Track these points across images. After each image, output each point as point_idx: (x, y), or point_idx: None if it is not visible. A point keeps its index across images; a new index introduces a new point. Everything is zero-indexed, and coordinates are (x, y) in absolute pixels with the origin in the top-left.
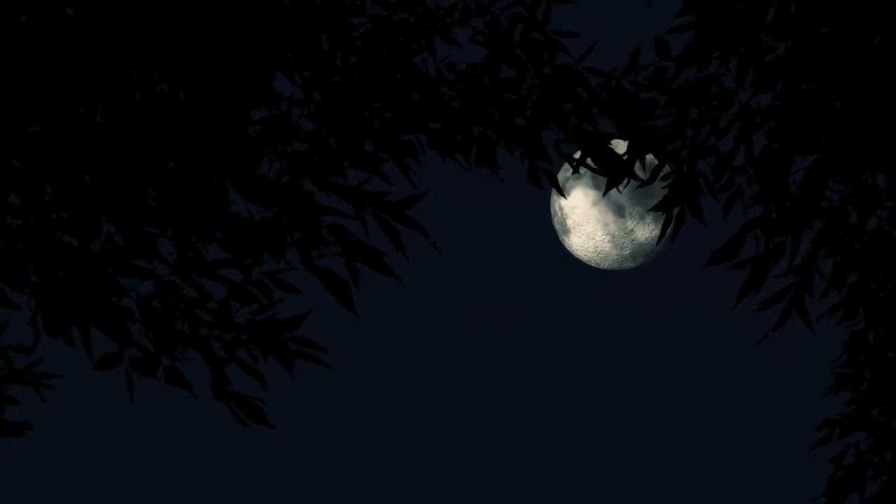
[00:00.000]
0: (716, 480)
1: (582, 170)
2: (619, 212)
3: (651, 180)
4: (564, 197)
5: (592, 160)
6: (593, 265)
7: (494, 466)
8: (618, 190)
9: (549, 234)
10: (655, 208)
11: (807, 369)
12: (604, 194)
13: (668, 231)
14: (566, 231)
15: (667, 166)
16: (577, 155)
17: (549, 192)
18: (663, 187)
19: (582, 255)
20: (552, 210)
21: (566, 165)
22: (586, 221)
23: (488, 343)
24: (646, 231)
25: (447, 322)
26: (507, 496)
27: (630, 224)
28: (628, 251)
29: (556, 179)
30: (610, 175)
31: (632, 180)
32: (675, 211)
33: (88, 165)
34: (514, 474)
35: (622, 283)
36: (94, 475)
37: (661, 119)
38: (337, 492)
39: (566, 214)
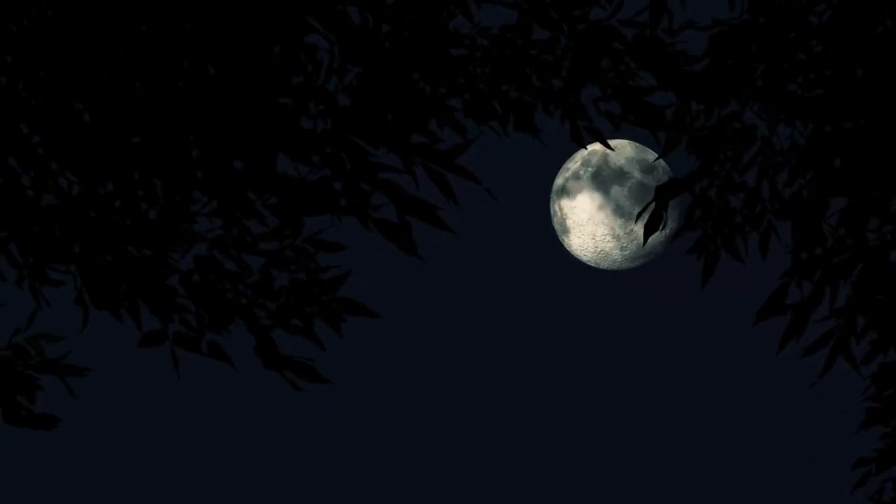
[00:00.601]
0: (715, 480)
1: (582, 171)
2: (620, 212)
3: (687, 226)
4: (611, 149)
5: (633, 115)
6: (593, 265)
7: (495, 466)
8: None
9: (549, 235)
10: (691, 251)
11: (807, 368)
12: (644, 243)
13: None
14: (566, 231)
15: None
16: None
17: (549, 193)
18: (696, 230)
19: (582, 255)
20: (552, 210)
21: (564, 171)
22: (586, 222)
23: (489, 343)
24: None
25: (447, 322)
26: (507, 496)
27: (630, 224)
28: (628, 251)
29: (602, 135)
30: (651, 128)
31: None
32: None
33: (131, 133)
34: (515, 474)
35: (622, 283)
36: (115, 468)
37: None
38: (333, 494)
39: (566, 215)
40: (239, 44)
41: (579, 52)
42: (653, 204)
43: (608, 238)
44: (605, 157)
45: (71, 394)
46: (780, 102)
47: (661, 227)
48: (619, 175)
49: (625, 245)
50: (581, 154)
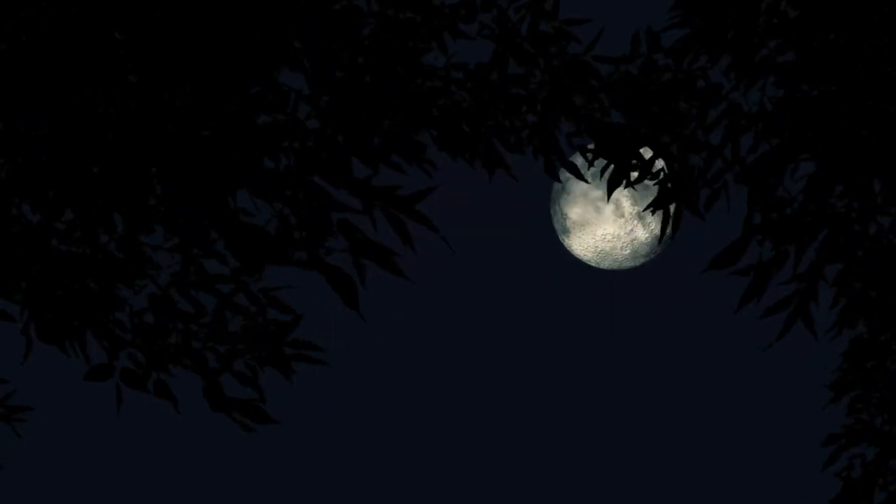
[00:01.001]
0: (715, 480)
1: (583, 170)
2: (620, 211)
3: (641, 177)
4: (587, 181)
5: (606, 151)
6: (593, 265)
7: (494, 466)
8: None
9: (549, 235)
10: (651, 206)
11: (809, 370)
12: (608, 199)
13: (668, 229)
14: (566, 231)
15: (658, 162)
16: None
17: (550, 192)
18: (654, 184)
19: (582, 255)
20: (552, 210)
21: (564, 170)
22: (586, 221)
23: (488, 343)
24: (646, 231)
25: (445, 322)
26: (506, 496)
27: (630, 224)
28: (628, 251)
29: (577, 168)
30: (622, 165)
31: (631, 182)
32: (672, 208)
33: (92, 164)
34: (514, 474)
35: (622, 283)
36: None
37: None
38: (334, 494)
39: (566, 215)
40: (213, 82)
41: (554, 87)
42: (632, 146)
43: (608, 238)
44: None
45: (17, 435)
46: (748, 62)
47: (623, 186)
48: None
49: (625, 245)
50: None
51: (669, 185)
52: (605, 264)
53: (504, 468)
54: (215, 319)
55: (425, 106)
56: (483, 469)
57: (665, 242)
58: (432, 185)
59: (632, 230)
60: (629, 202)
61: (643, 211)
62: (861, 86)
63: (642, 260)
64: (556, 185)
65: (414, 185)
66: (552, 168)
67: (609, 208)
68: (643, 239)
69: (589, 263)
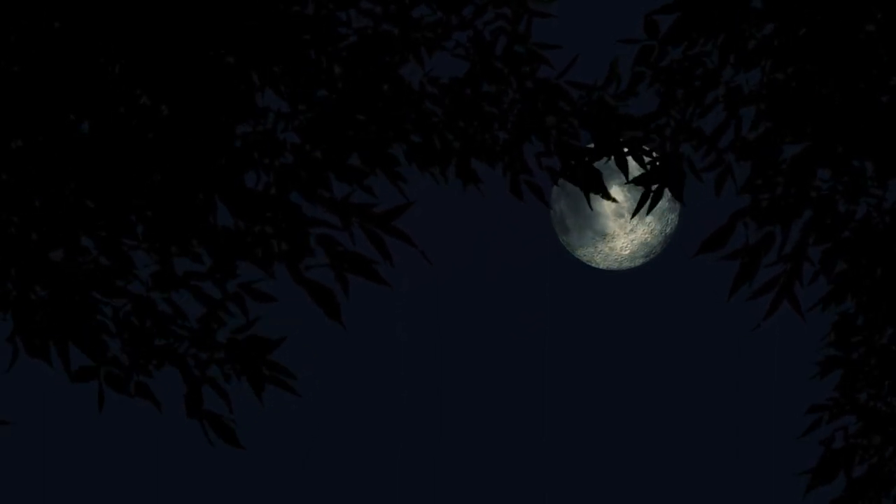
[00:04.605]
0: (716, 479)
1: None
2: (619, 211)
3: (630, 156)
4: (549, 207)
5: (572, 174)
6: (593, 265)
7: (494, 467)
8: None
9: (548, 235)
10: (634, 182)
11: (807, 360)
12: (590, 203)
13: (645, 208)
14: (565, 231)
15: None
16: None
17: (549, 193)
18: (647, 163)
19: (581, 254)
20: (551, 210)
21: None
22: (586, 221)
23: (487, 343)
24: (646, 231)
25: (443, 323)
26: (506, 496)
27: (630, 224)
28: (628, 251)
29: (542, 191)
30: (589, 190)
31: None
32: (654, 188)
33: (72, 177)
34: (514, 474)
35: (622, 283)
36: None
37: (638, 111)
38: (331, 494)
39: (565, 214)
40: (213, 64)
41: (526, 108)
42: (598, 171)
43: (608, 238)
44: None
45: None
46: (743, 45)
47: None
48: (619, 174)
49: (624, 245)
50: None
51: (658, 164)
52: (604, 264)
53: (503, 468)
54: (203, 326)
55: (399, 118)
56: (482, 469)
57: (665, 243)
58: (409, 201)
59: (632, 230)
60: (629, 202)
61: (626, 184)
62: (849, 66)
63: (642, 260)
64: (556, 184)
65: (394, 200)
66: (517, 188)
67: (609, 207)
68: (643, 239)
69: (589, 263)
